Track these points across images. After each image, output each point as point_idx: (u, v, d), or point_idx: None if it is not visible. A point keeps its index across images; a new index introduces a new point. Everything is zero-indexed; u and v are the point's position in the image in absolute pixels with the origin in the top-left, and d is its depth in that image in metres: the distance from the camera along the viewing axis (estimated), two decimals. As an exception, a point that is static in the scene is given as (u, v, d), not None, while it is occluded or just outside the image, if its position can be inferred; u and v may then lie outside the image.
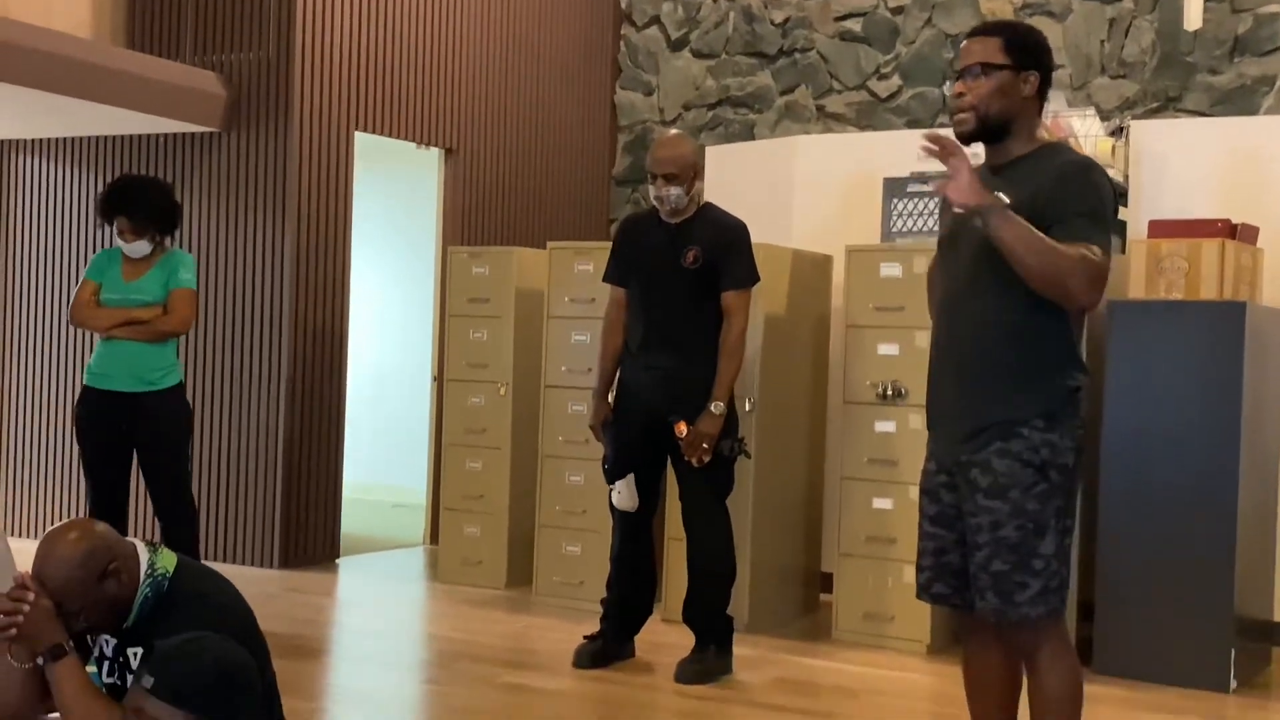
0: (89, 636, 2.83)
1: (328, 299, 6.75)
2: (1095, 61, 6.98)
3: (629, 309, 4.87)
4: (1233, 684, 4.78)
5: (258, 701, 2.54)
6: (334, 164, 6.75)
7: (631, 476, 4.80)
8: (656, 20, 8.24)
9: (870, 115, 7.50)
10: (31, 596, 2.67)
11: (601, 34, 8.32)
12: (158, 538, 5.25)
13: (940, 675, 4.93)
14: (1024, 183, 3.04)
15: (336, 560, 6.84)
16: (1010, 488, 3.02)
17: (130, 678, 2.66)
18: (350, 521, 7.15)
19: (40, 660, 2.70)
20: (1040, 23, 6.83)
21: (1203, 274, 4.96)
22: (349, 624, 5.90)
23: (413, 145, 7.32)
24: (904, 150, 5.88)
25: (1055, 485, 3.04)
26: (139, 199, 5.12)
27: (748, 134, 7.81)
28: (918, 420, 5.14)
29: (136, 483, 5.32)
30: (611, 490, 4.86)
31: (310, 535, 6.72)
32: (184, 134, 6.79)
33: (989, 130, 3.10)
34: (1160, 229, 5.14)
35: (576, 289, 5.95)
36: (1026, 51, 3.10)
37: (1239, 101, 6.66)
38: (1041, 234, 2.92)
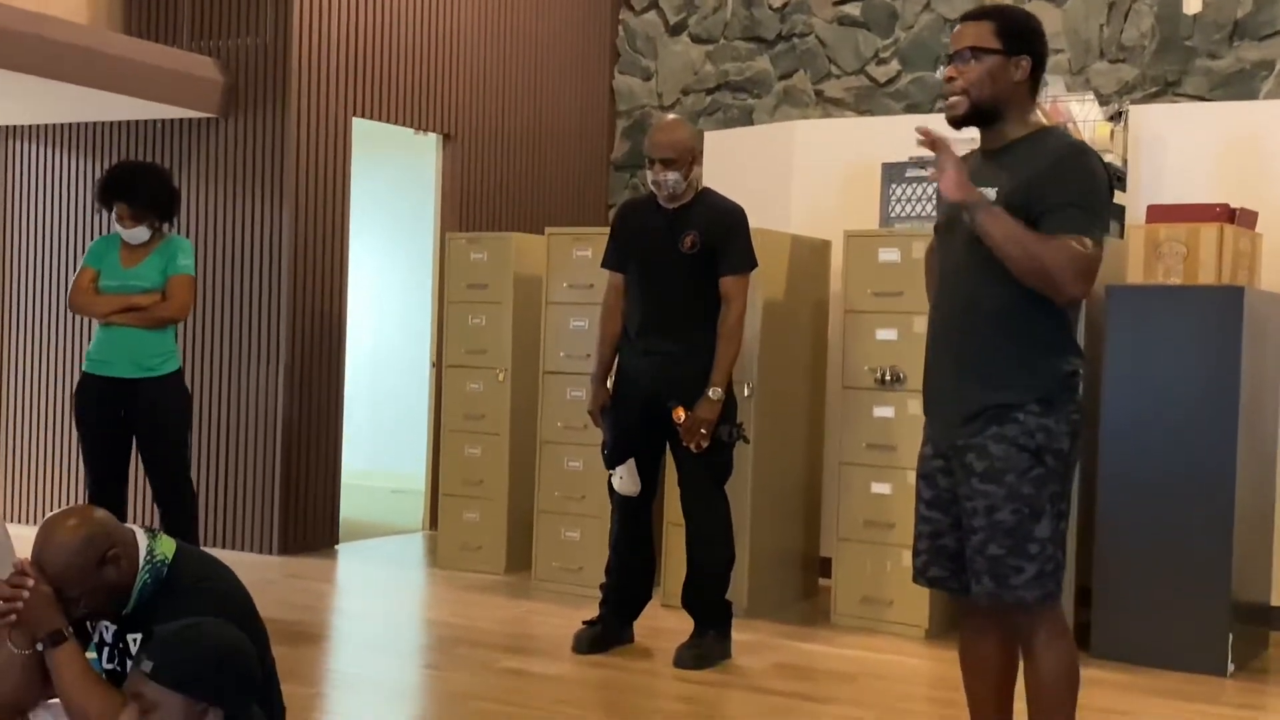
0: (89, 623, 2.84)
1: (326, 286, 6.75)
2: (1094, 46, 6.97)
3: (627, 294, 4.87)
4: (1230, 667, 4.80)
5: (257, 687, 2.55)
6: (332, 150, 6.74)
7: (632, 462, 4.81)
8: (655, 5, 8.22)
9: (869, 100, 7.49)
10: (31, 582, 2.68)
11: (600, 19, 8.31)
12: (157, 524, 5.26)
13: (938, 659, 4.95)
14: (1018, 168, 3.04)
15: (336, 546, 6.85)
16: (1006, 472, 3.03)
17: (130, 663, 2.67)
18: (349, 507, 7.16)
19: (40, 646, 2.71)
20: (1039, 7, 6.82)
21: (1201, 259, 4.96)
22: (348, 609, 5.91)
23: (410, 131, 7.32)
24: (903, 135, 5.86)
25: (1051, 469, 3.05)
26: (138, 185, 5.12)
27: (746, 119, 7.80)
28: (916, 405, 5.14)
29: (136, 469, 5.32)
30: (611, 475, 4.86)
31: (309, 521, 6.73)
32: (181, 119, 6.78)
33: (980, 114, 3.10)
34: (1159, 214, 5.14)
35: (575, 275, 5.95)
36: (1018, 36, 3.10)
37: (1238, 86, 6.65)
38: (1027, 228, 2.94)
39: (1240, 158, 5.71)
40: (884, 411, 5.35)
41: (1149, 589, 4.89)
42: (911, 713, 4.38)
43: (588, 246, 5.89)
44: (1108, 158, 5.46)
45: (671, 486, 5.15)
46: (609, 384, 4.92)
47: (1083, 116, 5.60)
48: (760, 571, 5.59)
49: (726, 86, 7.95)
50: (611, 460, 4.85)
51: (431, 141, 7.49)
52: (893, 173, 5.65)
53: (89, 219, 7.08)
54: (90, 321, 6.59)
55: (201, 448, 6.63)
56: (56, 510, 2.87)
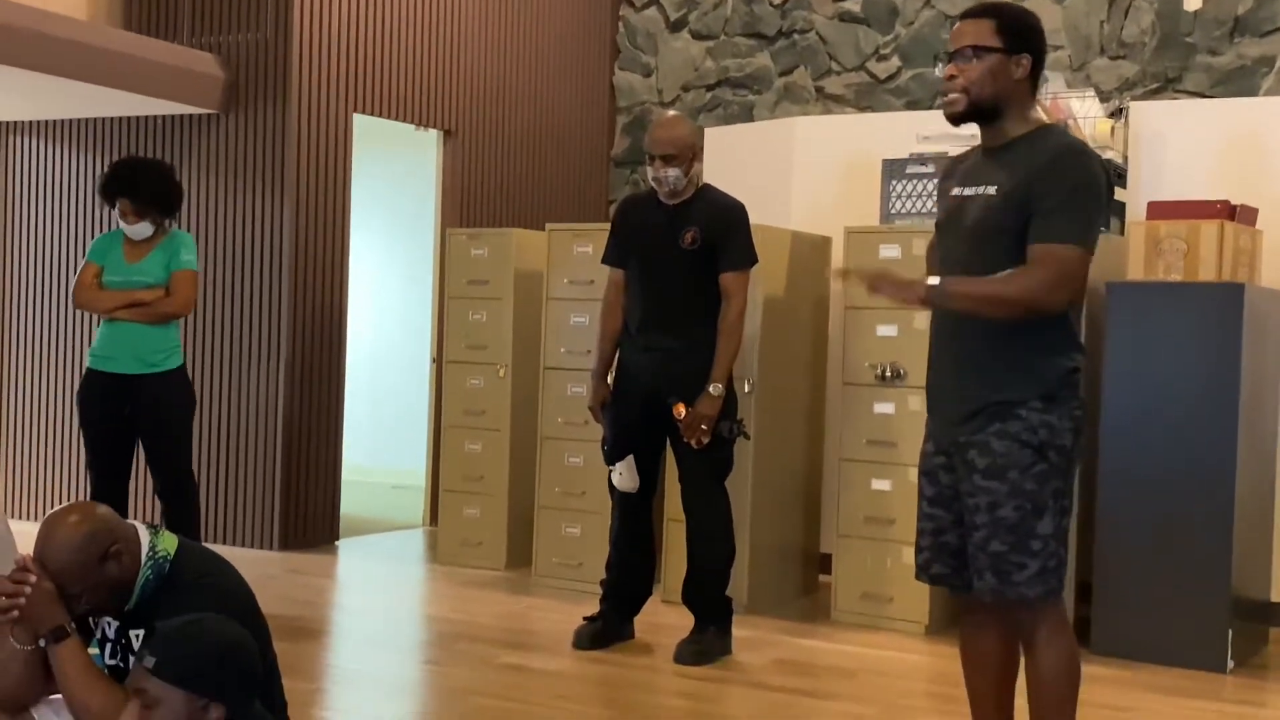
0: (91, 619, 2.84)
1: (326, 281, 6.75)
2: (1095, 42, 6.97)
3: (628, 290, 4.87)
4: (1230, 664, 4.80)
5: (259, 682, 2.55)
6: (332, 146, 6.74)
7: (631, 458, 4.81)
8: (656, 1, 8.22)
9: (869, 96, 7.49)
10: (33, 579, 2.68)
11: (600, 15, 8.30)
12: (159, 520, 5.26)
13: (938, 656, 4.95)
14: (1017, 165, 3.05)
15: (336, 542, 6.86)
16: (1008, 468, 3.03)
17: (133, 659, 2.67)
18: (350, 503, 7.17)
19: (42, 642, 2.71)
20: (1040, 3, 6.81)
21: (1201, 255, 4.96)
22: (348, 605, 5.92)
23: (411, 127, 7.32)
24: (903, 132, 5.91)
25: (1053, 466, 3.05)
26: (141, 181, 5.13)
27: (746, 115, 7.80)
28: (916, 402, 5.15)
29: (138, 465, 5.33)
30: (611, 472, 4.87)
31: (310, 517, 6.73)
32: (182, 115, 6.78)
33: (980, 112, 3.10)
34: (1159, 210, 5.14)
35: (575, 271, 5.95)
36: (1019, 34, 3.09)
37: (1239, 82, 6.65)
38: (987, 281, 3.01)
39: (1241, 154, 5.70)
40: (884, 408, 5.36)
41: (1149, 585, 4.89)
42: (912, 709, 4.38)
43: (588, 242, 5.89)
44: (1108, 154, 5.46)
45: (672, 482, 5.15)
46: (609, 380, 4.93)
47: (1083, 113, 5.60)
48: (760, 568, 5.59)
49: (727, 83, 7.95)
50: (611, 457, 4.85)
51: (432, 137, 7.48)
52: (893, 169, 5.65)
53: (90, 215, 7.08)
54: (92, 317, 6.59)
55: (202, 443, 6.63)
56: (58, 506, 2.87)
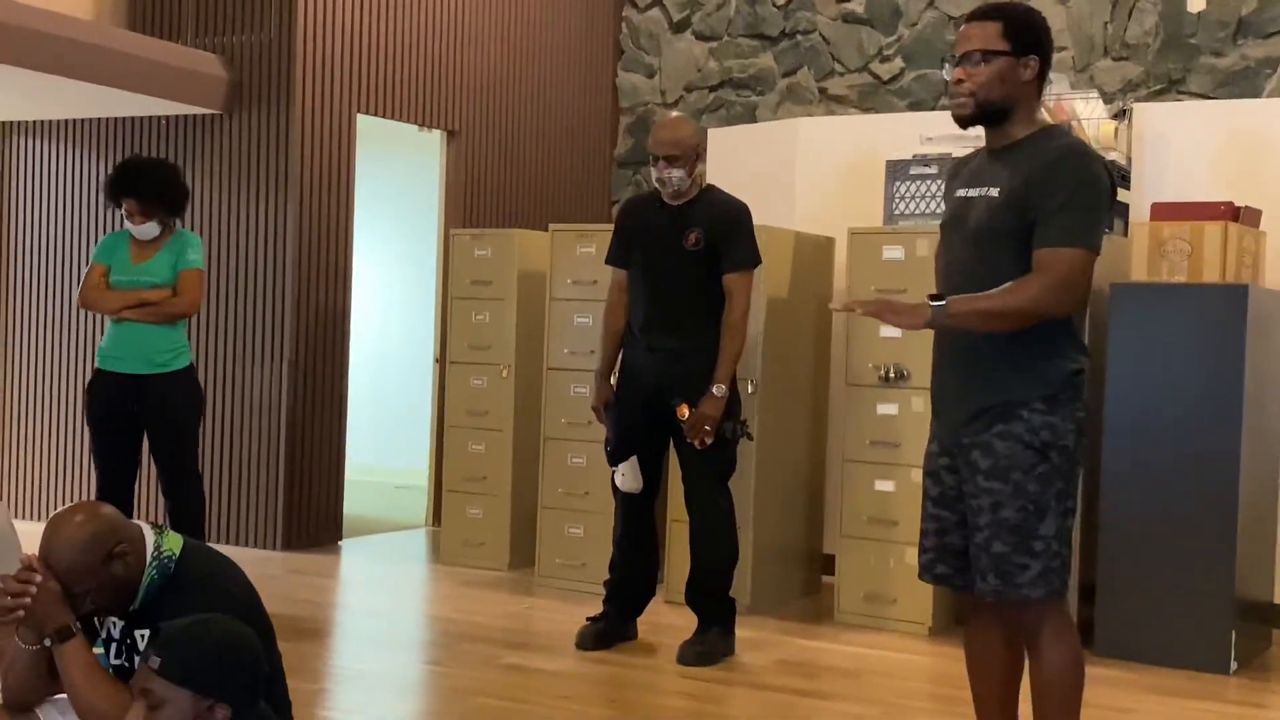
0: (96, 618, 2.84)
1: (330, 282, 6.75)
2: (1098, 43, 6.97)
3: (631, 291, 4.87)
4: (1233, 665, 4.80)
5: (264, 682, 2.56)
6: (336, 146, 6.74)
7: (634, 459, 4.81)
8: (659, 2, 8.22)
9: (872, 97, 7.49)
10: (38, 578, 2.68)
11: (603, 15, 8.31)
12: (164, 519, 5.27)
13: (941, 656, 4.95)
14: (1021, 166, 3.05)
15: (339, 542, 6.86)
16: (1011, 469, 3.04)
17: (138, 659, 2.67)
18: (352, 503, 7.17)
19: (48, 642, 2.71)
20: (1043, 4, 6.80)
21: (1205, 257, 4.96)
22: (351, 605, 5.92)
23: (415, 128, 7.32)
24: (906, 133, 5.91)
25: (1056, 467, 3.05)
26: (147, 181, 5.13)
27: (749, 116, 7.80)
28: (920, 402, 5.16)
29: (146, 465, 5.33)
30: (614, 472, 4.87)
31: (312, 517, 6.74)
32: (185, 116, 6.79)
33: (988, 115, 3.10)
34: (1163, 211, 5.14)
35: (579, 271, 5.95)
36: (1026, 36, 3.09)
37: (1242, 84, 6.65)
38: (989, 296, 2.98)
39: (1244, 156, 5.70)
40: (887, 408, 5.36)
41: (1152, 586, 4.89)
42: (915, 710, 4.38)
43: (591, 243, 5.89)
44: (1112, 156, 5.46)
45: (675, 483, 5.15)
46: (613, 381, 4.93)
47: (1087, 114, 5.60)
48: (763, 568, 5.60)
49: (730, 83, 7.95)
50: (614, 458, 4.86)
51: (436, 138, 7.49)
52: (896, 170, 5.65)
53: (94, 215, 7.08)
54: (97, 317, 6.59)
55: (205, 443, 6.63)
56: (63, 506, 2.87)
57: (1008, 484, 3.04)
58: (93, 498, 5.41)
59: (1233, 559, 4.80)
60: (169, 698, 2.39)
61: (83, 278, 5.32)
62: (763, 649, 5.00)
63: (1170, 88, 6.80)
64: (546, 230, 6.21)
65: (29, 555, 2.77)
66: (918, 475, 3.31)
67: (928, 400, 3.30)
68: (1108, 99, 6.55)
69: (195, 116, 6.77)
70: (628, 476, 4.83)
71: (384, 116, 7.03)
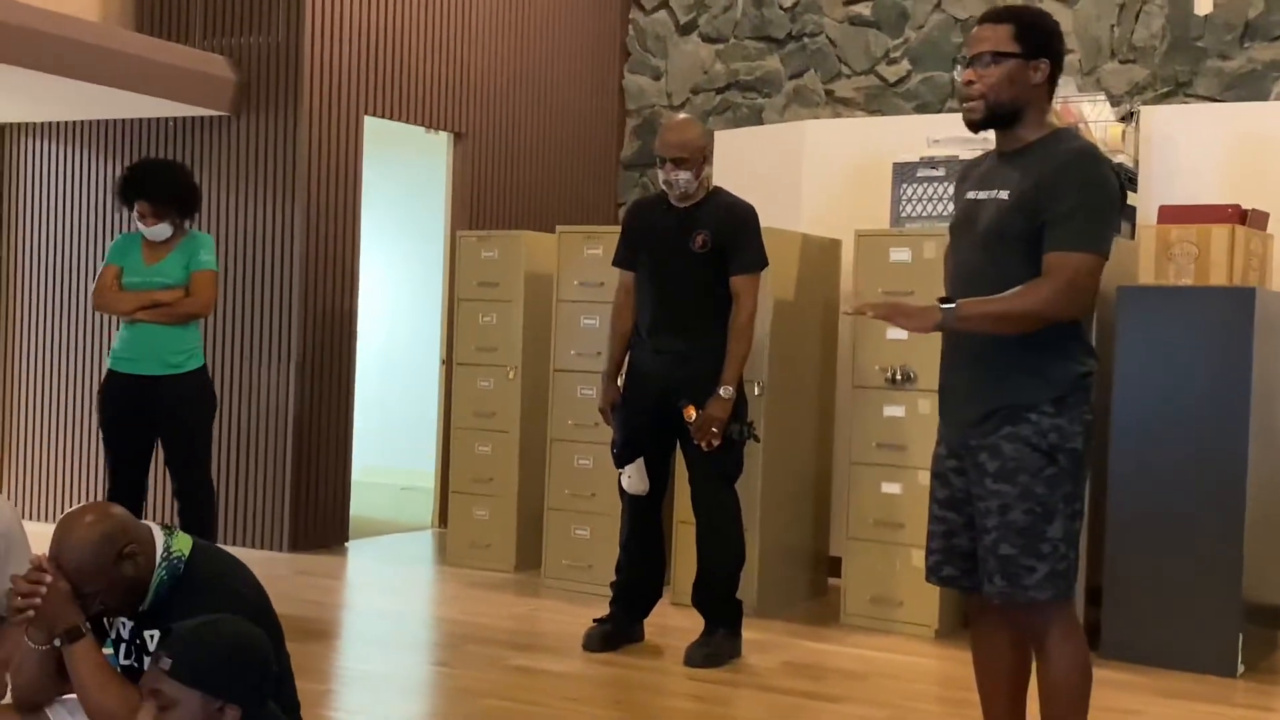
0: (105, 619, 2.85)
1: (337, 283, 6.76)
2: (1105, 46, 6.96)
3: (638, 293, 4.88)
4: (1240, 668, 4.80)
5: (273, 683, 2.56)
6: (343, 148, 6.75)
7: (641, 461, 4.82)
8: (665, 4, 8.22)
9: (879, 100, 7.49)
10: (48, 578, 2.69)
11: (610, 18, 8.31)
12: (175, 520, 5.27)
13: (948, 659, 4.95)
14: (1030, 169, 3.05)
15: (346, 543, 6.87)
16: (1019, 472, 3.04)
17: (147, 660, 2.68)
18: (359, 505, 7.18)
19: (57, 642, 2.72)
20: (1051, 7, 6.81)
21: (1212, 260, 4.96)
22: (358, 606, 5.93)
23: (422, 130, 7.33)
24: (913, 135, 5.91)
25: (1064, 470, 3.06)
26: (159, 182, 5.14)
27: (756, 118, 7.80)
28: (926, 405, 5.16)
29: (157, 465, 5.33)
30: (621, 474, 4.87)
31: (319, 518, 6.74)
32: (193, 117, 6.80)
33: (998, 118, 3.10)
34: (1170, 214, 5.14)
35: (585, 273, 5.96)
36: (1037, 39, 3.09)
37: (1249, 86, 6.64)
38: (999, 300, 2.99)
39: (1251, 158, 5.70)
40: (894, 411, 5.36)
41: (1159, 589, 4.89)
42: (922, 712, 4.38)
43: (598, 245, 5.89)
44: (1119, 158, 5.46)
45: (682, 485, 5.15)
46: (619, 382, 4.93)
47: (1094, 117, 5.60)
48: (770, 570, 5.60)
49: (736, 86, 7.95)
50: (621, 459, 4.86)
51: (443, 140, 7.50)
52: (903, 172, 5.65)
53: (103, 216, 7.10)
54: (106, 319, 6.62)
55: (214, 444, 6.63)
56: (74, 507, 2.88)
57: (1015, 486, 3.04)
58: (103, 499, 5.41)
59: (1240, 562, 4.79)
60: (179, 699, 2.39)
61: (95, 280, 5.32)
62: (769, 651, 5.00)
63: (1177, 90, 6.80)
64: (553, 232, 6.22)
65: (39, 555, 2.77)
66: (924, 477, 3.32)
67: (934, 402, 3.30)
68: (1115, 102, 6.55)
69: (203, 118, 6.78)
70: (634, 478, 4.83)
71: (391, 118, 7.04)
